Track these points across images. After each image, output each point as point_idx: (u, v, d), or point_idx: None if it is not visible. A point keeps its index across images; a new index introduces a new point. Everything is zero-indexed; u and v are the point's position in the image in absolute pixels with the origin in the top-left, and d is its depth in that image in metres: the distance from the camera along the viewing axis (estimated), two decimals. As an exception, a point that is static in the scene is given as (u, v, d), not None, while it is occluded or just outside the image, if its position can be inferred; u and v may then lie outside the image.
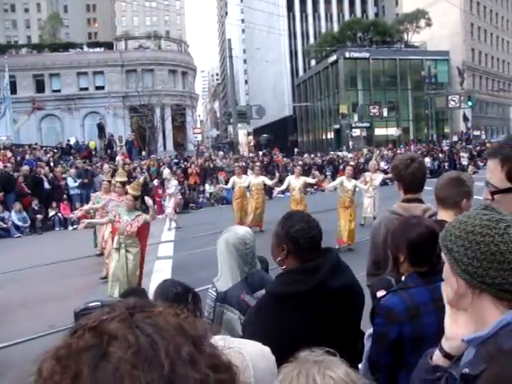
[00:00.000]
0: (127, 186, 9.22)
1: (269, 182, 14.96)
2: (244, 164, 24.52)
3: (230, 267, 2.93)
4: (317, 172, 16.78)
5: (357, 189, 12.28)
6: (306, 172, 26.49)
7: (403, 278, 2.42)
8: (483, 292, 1.25)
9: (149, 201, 8.39)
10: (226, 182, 17.75)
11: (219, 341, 1.40)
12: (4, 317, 7.52)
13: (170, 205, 15.69)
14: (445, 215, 2.79)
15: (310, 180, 14.54)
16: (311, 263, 2.29)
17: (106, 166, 20.89)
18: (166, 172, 17.45)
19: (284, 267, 2.39)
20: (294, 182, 13.33)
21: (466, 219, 1.30)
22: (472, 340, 1.28)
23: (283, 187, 13.98)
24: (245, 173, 16.78)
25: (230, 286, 2.91)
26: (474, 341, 1.27)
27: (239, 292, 2.86)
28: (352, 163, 21.66)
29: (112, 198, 9.94)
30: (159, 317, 0.70)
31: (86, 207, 11.96)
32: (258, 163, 20.31)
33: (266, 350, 1.70)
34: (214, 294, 2.97)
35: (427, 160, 30.56)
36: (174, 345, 0.66)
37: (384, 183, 23.86)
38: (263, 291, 2.79)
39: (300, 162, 24.21)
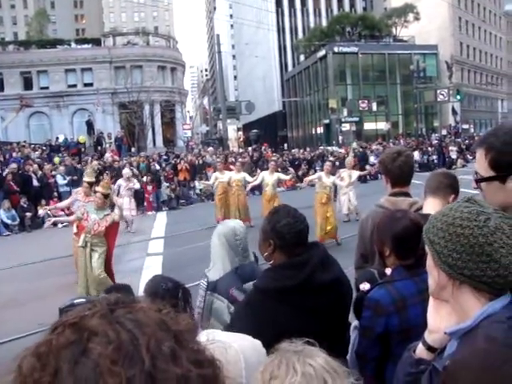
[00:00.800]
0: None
1: (250, 179, 14.41)
2: (234, 160, 24.45)
3: (221, 258, 3.02)
4: (291, 169, 16.69)
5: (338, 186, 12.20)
6: (295, 167, 26.52)
7: (387, 271, 2.44)
8: (463, 284, 1.26)
9: (117, 200, 8.20)
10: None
11: (209, 334, 1.40)
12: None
13: (132, 206, 14.91)
14: (432, 204, 2.81)
15: (283, 176, 14.35)
16: (298, 258, 2.30)
17: (95, 163, 20.81)
18: (126, 171, 15.99)
19: (271, 262, 2.40)
20: (268, 177, 13.14)
21: (448, 211, 1.31)
22: (454, 332, 1.29)
23: (256, 182, 13.79)
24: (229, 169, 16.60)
25: (221, 275, 2.97)
26: (456, 333, 1.29)
27: (229, 281, 2.92)
28: (331, 159, 21.41)
29: (78, 198, 9.66)
30: (140, 312, 0.70)
31: (50, 206, 11.99)
32: (240, 159, 20.01)
33: (258, 343, 1.71)
34: (205, 283, 3.07)
35: (416, 154, 30.69)
36: (155, 340, 0.65)
37: (374, 177, 24.10)
38: (251, 283, 2.81)
39: (274, 158, 23.52)
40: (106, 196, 7.87)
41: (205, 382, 0.67)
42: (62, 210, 13.19)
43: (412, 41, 58.16)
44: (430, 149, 33.62)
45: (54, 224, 11.57)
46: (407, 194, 3.21)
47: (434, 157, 32.14)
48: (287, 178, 15.11)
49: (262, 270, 3.05)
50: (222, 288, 2.93)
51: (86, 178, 9.49)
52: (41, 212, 12.65)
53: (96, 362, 0.61)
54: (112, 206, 9.48)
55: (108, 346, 0.63)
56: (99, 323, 0.66)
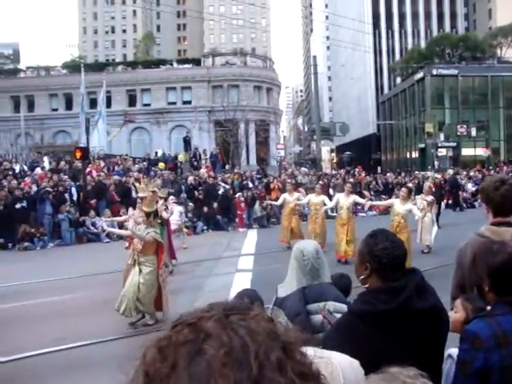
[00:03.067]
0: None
1: (328, 203, 13.73)
2: (326, 181, 24.33)
3: (290, 276, 3.11)
4: (366, 192, 16.04)
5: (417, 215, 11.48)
6: (388, 191, 25.98)
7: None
8: None
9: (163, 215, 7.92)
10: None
11: (309, 351, 1.44)
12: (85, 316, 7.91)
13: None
14: None
15: (360, 200, 13.65)
16: (396, 283, 2.27)
17: (190, 178, 21.46)
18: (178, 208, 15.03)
19: (367, 286, 2.39)
20: (343, 200, 12.63)
21: None
22: None
23: (331, 205, 13.32)
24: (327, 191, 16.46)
25: (288, 293, 3.03)
26: None
27: (292, 300, 2.96)
28: (410, 185, 20.49)
29: (134, 213, 9.60)
30: (253, 320, 0.74)
31: (107, 219, 12.39)
32: (320, 182, 19.61)
33: (355, 362, 1.72)
34: (274, 298, 3.16)
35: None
36: (264, 348, 0.69)
37: (471, 206, 23.03)
38: (316, 305, 2.82)
39: (351, 180, 22.56)
40: (147, 214, 7.63)
41: None
42: None
43: (519, 62, 55.29)
44: (534, 178, 31.64)
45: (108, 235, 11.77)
46: (510, 224, 3.09)
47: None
48: (363, 201, 14.69)
49: (332, 291, 3.05)
50: (286, 306, 2.98)
51: (139, 194, 8.99)
52: (99, 223, 13.22)
53: (208, 362, 0.67)
54: (161, 224, 9.55)
55: (220, 350, 0.68)
56: (214, 326, 0.71)
